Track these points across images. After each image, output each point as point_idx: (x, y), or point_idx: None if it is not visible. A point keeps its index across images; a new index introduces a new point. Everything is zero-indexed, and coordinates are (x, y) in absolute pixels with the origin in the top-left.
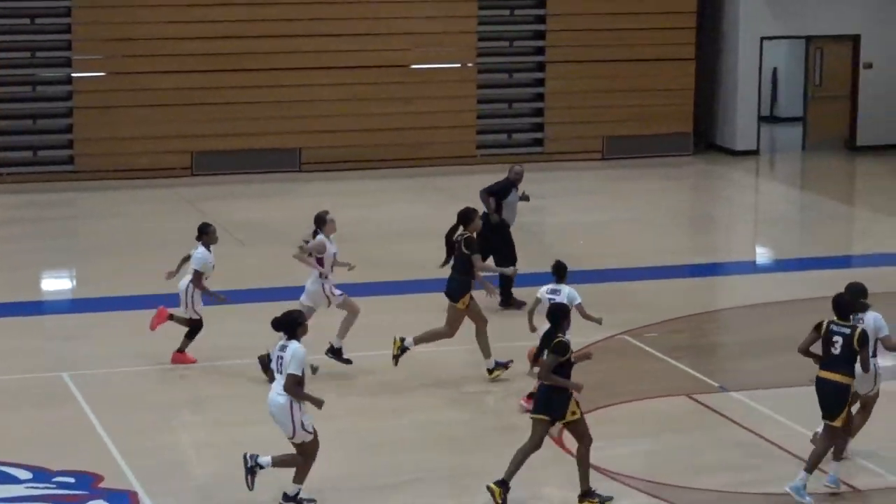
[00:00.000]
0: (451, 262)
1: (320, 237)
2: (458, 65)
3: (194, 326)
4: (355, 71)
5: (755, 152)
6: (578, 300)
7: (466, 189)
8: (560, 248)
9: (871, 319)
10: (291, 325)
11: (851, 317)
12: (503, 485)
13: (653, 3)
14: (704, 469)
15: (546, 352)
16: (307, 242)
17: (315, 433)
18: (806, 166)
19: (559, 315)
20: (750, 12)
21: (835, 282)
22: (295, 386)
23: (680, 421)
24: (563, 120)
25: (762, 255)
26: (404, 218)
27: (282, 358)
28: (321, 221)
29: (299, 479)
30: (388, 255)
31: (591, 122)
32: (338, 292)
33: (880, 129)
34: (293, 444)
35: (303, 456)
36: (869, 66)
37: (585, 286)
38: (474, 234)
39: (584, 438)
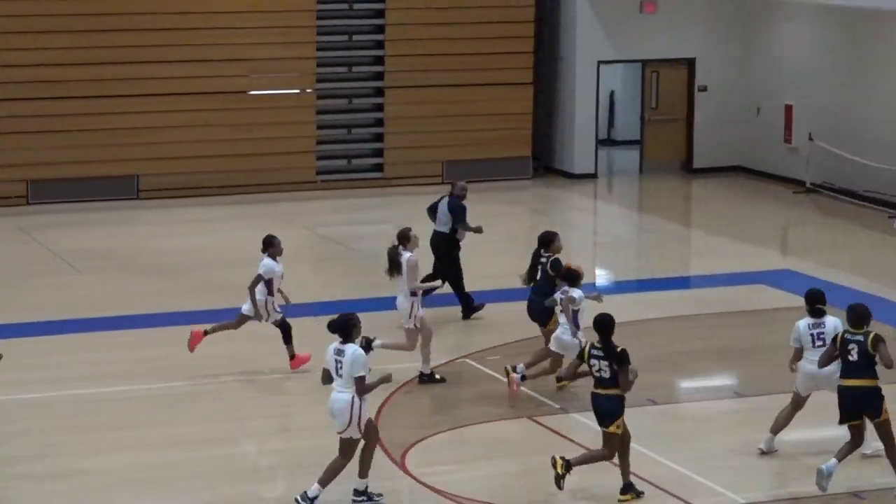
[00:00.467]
0: (533, 285)
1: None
2: (297, 91)
3: (285, 329)
4: (193, 97)
5: (593, 175)
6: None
7: (306, 215)
8: None
9: (832, 322)
10: (346, 328)
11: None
12: (567, 464)
13: (491, 28)
14: (546, 492)
15: (616, 364)
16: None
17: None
18: (643, 189)
19: (608, 326)
20: (587, 37)
21: (674, 303)
22: (365, 385)
23: (522, 443)
24: (403, 145)
25: (602, 277)
26: (245, 244)
27: (340, 361)
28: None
29: (363, 473)
30: (231, 283)
31: (431, 146)
32: None
33: (715, 151)
34: (341, 437)
35: (343, 455)
36: (704, 89)
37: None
38: (558, 256)
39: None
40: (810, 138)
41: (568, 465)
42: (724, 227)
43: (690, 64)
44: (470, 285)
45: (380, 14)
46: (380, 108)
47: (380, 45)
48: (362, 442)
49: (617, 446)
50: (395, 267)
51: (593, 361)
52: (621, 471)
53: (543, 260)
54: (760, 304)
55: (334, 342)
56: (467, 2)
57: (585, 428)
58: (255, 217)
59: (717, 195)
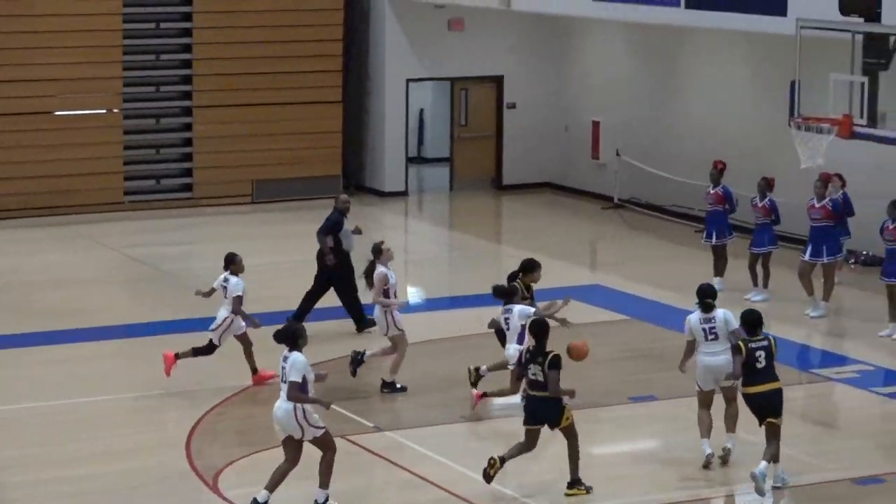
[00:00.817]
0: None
1: None
2: (104, 111)
3: (247, 344)
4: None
5: (404, 193)
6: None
7: (114, 236)
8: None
9: (721, 315)
10: (292, 337)
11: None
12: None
13: (299, 47)
14: None
15: (541, 366)
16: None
17: (325, 427)
18: (453, 206)
19: (542, 330)
20: (395, 55)
21: (486, 319)
22: (297, 392)
23: (337, 463)
24: (212, 164)
25: (413, 294)
26: (51, 267)
27: (284, 368)
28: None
29: (325, 483)
30: (42, 305)
31: (241, 166)
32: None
33: (525, 167)
34: (308, 442)
35: (325, 449)
36: (512, 106)
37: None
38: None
39: (574, 436)
40: (617, 154)
41: (502, 461)
42: (534, 243)
43: (499, 81)
44: (282, 305)
45: (187, 33)
46: (188, 127)
47: (187, 64)
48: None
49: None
50: (369, 280)
51: (530, 366)
52: (570, 466)
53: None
54: (571, 319)
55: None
56: (275, 20)
57: (400, 446)
58: (63, 239)
59: (527, 211)
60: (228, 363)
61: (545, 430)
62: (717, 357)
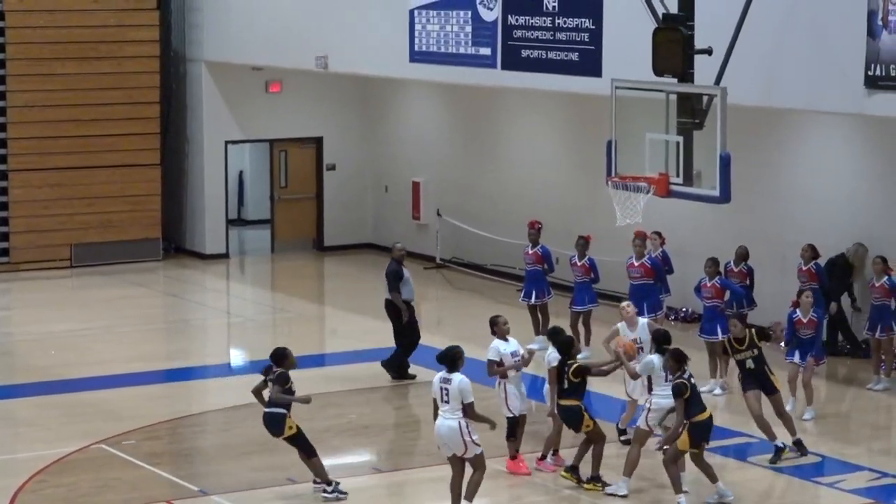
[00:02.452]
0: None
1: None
2: None
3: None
4: None
5: (225, 255)
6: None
7: None
8: (30, 359)
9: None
10: (452, 359)
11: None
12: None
13: (116, 109)
14: None
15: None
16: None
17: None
18: (276, 268)
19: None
20: (213, 117)
21: (311, 381)
22: (474, 411)
23: None
24: (29, 228)
25: (236, 357)
26: None
27: (447, 389)
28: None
29: (471, 496)
30: None
31: (58, 230)
32: None
33: (346, 228)
34: (466, 459)
35: (477, 469)
36: (332, 167)
37: (57, 396)
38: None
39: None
40: (438, 214)
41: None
42: (355, 304)
43: (318, 142)
44: (102, 370)
45: (1, 96)
46: (3, 191)
47: (2, 127)
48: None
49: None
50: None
51: (438, 389)
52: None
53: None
54: (395, 380)
55: (441, 373)
56: (90, 83)
57: None
58: None
59: (349, 272)
60: (44, 432)
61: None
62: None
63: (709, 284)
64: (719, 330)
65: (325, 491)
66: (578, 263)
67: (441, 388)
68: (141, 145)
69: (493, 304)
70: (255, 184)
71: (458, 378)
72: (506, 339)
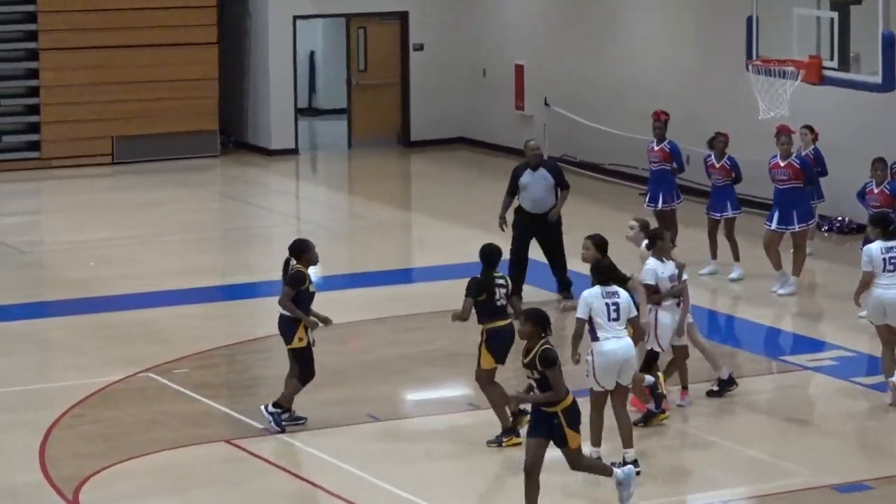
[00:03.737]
0: None
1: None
2: None
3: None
4: None
5: (293, 151)
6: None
7: None
8: (64, 272)
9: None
10: (604, 272)
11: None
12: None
13: None
14: None
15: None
16: None
17: None
18: (353, 166)
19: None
20: None
21: (393, 301)
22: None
23: (219, 471)
24: (64, 118)
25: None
26: None
27: (616, 304)
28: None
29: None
30: None
31: (97, 120)
32: None
33: (436, 120)
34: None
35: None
36: (420, 48)
37: (95, 316)
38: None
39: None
40: (546, 104)
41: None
42: (447, 209)
43: (403, 18)
44: (148, 286)
45: None
46: (34, 74)
47: None
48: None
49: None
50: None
51: (603, 306)
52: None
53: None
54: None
55: (594, 289)
56: None
57: (293, 451)
58: None
59: (439, 172)
60: (80, 358)
61: None
62: None
63: (876, 191)
64: None
65: (268, 408)
66: (717, 164)
67: (608, 304)
68: (194, 20)
69: (611, 210)
70: (328, 67)
71: (623, 291)
72: (662, 260)
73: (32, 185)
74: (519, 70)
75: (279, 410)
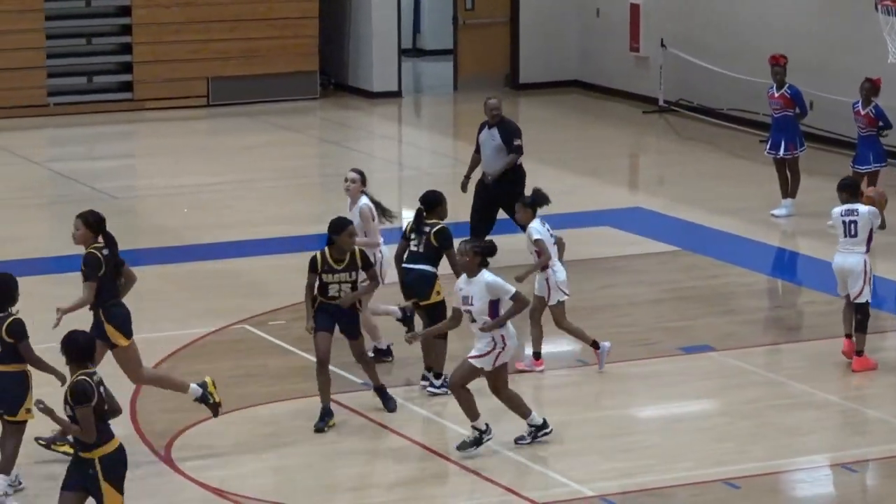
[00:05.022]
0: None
1: None
2: None
3: None
4: None
5: (396, 94)
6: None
7: (36, 147)
8: (157, 219)
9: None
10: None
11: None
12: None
13: None
14: (350, 486)
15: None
16: None
17: None
18: (459, 110)
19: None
20: None
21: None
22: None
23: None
24: (158, 58)
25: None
26: None
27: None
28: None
29: None
30: None
31: (191, 60)
32: None
33: (547, 62)
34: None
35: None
36: None
37: (191, 264)
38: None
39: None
40: (662, 45)
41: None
42: (559, 156)
43: None
44: (244, 234)
45: None
46: (126, 11)
47: None
48: None
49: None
50: None
51: (842, 223)
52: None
53: (427, 228)
54: (605, 251)
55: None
56: None
57: (403, 410)
58: None
59: (550, 117)
60: (173, 308)
61: None
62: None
63: None
64: None
65: (433, 384)
66: (862, 112)
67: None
68: None
69: (730, 157)
70: (434, 5)
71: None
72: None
73: (124, 127)
74: (634, 10)
75: (442, 378)
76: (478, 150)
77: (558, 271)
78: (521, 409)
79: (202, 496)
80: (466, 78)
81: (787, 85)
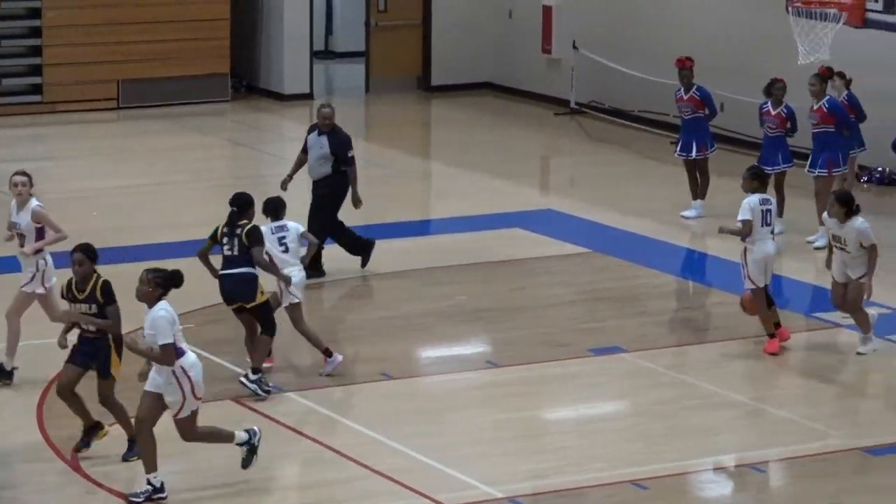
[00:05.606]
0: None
1: None
2: None
3: None
4: None
5: (308, 96)
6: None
7: None
8: (68, 223)
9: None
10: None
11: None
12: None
13: None
14: (261, 490)
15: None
16: None
17: None
18: (371, 112)
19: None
20: None
21: (411, 253)
22: None
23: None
24: (68, 60)
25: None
26: None
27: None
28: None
29: None
30: None
31: (102, 62)
32: None
33: (459, 64)
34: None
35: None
36: None
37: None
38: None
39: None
40: (574, 47)
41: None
42: (470, 158)
43: None
44: (153, 237)
45: None
46: (36, 13)
47: None
48: None
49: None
50: None
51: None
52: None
53: (238, 230)
54: (516, 253)
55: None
56: None
57: (301, 410)
58: None
59: (462, 119)
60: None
61: None
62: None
63: None
64: None
65: (247, 377)
66: (773, 112)
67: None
68: None
69: (641, 159)
70: (346, 7)
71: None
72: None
73: (34, 130)
74: (547, 11)
75: (259, 375)
76: (305, 151)
77: (295, 275)
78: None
79: (110, 500)
80: (378, 80)
81: (695, 86)
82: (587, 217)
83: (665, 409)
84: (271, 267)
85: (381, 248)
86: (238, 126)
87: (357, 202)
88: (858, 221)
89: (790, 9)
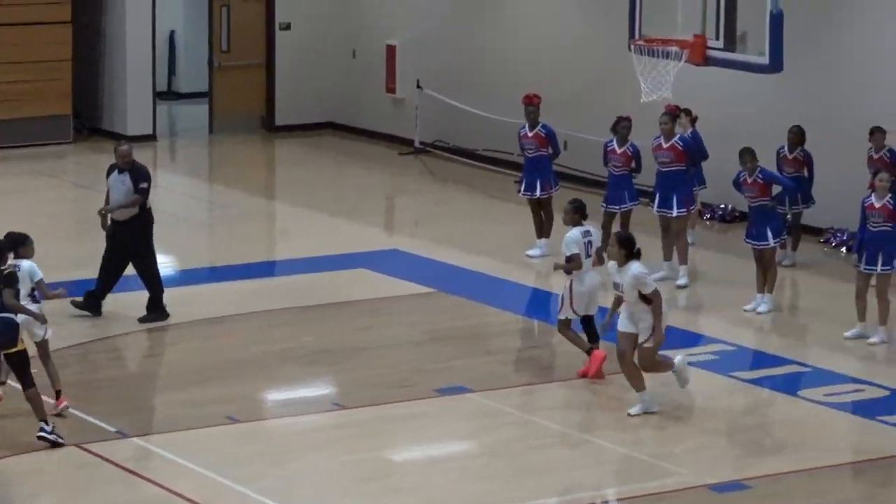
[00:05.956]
0: None
1: None
2: None
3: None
4: None
5: (151, 137)
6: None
7: None
8: None
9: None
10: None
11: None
12: None
13: None
14: None
15: None
16: None
17: None
18: (214, 153)
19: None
20: None
21: (255, 295)
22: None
23: (67, 478)
24: None
25: (163, 265)
26: None
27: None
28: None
29: None
30: None
31: None
32: None
33: (303, 104)
34: None
35: None
36: (286, 27)
37: None
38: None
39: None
40: (418, 87)
41: None
42: (315, 198)
43: None
44: None
45: None
46: None
47: None
48: None
49: None
50: None
51: None
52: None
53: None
54: (362, 293)
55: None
56: None
57: (146, 455)
58: None
59: (306, 159)
60: None
61: None
62: None
63: (749, 181)
64: (769, 234)
65: (42, 430)
66: (619, 150)
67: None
68: None
69: (485, 198)
70: (189, 47)
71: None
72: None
73: None
74: (391, 50)
75: (49, 425)
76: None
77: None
78: None
79: None
80: (222, 120)
81: (540, 124)
82: (432, 257)
83: (511, 449)
84: (23, 308)
85: (226, 289)
86: (81, 168)
87: (105, 223)
88: (634, 266)
89: (632, 47)
